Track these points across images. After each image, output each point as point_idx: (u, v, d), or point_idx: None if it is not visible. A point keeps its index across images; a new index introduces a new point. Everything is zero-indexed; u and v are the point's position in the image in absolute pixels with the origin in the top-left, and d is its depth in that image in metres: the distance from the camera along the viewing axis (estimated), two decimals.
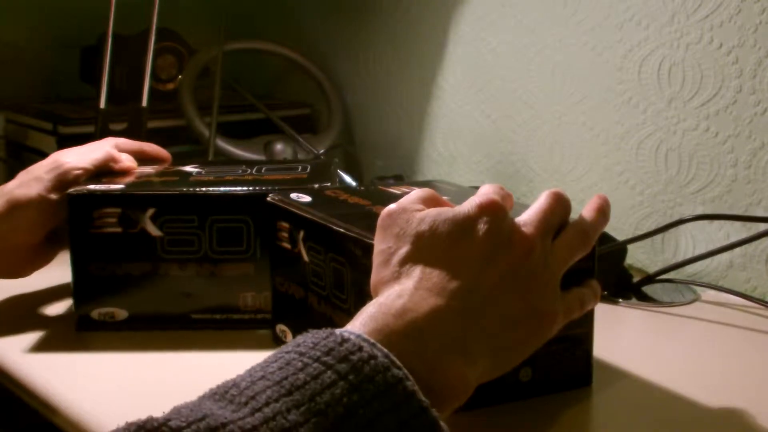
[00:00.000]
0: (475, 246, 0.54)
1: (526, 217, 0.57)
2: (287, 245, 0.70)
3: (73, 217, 0.74)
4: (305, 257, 0.68)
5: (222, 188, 0.74)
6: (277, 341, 0.72)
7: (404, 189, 0.74)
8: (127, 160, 0.84)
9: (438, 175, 1.18)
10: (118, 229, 0.74)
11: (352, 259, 0.63)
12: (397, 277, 0.54)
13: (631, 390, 0.65)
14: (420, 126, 1.20)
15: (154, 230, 0.74)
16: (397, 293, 0.52)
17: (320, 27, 1.35)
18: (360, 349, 0.46)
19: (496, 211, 0.55)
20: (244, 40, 1.29)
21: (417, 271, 0.54)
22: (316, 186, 0.75)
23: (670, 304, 0.84)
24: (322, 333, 0.48)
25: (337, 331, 0.48)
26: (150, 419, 0.42)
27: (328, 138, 1.24)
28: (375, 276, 0.56)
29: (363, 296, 0.60)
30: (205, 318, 0.75)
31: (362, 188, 0.75)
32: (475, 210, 0.55)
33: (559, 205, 0.59)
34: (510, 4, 1.06)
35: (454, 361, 0.50)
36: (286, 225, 0.69)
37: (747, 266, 0.89)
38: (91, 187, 0.76)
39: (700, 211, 0.91)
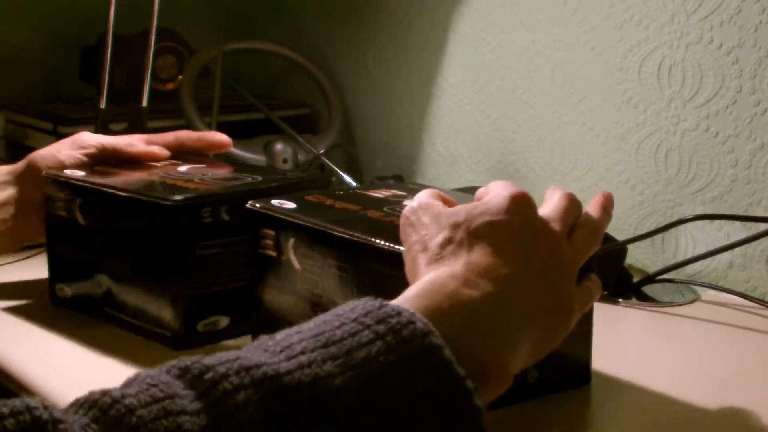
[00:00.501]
0: (512, 237, 0.54)
1: (549, 213, 0.57)
2: (272, 253, 0.68)
3: (46, 197, 0.80)
4: (296, 265, 0.66)
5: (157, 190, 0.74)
6: None
7: (383, 192, 0.73)
8: (158, 150, 0.86)
9: (438, 175, 1.19)
10: (64, 213, 0.78)
11: (360, 265, 0.61)
12: (439, 258, 0.53)
13: (630, 390, 0.65)
14: (420, 126, 1.20)
15: (80, 219, 0.77)
16: (448, 274, 0.51)
17: (320, 27, 1.35)
18: (399, 314, 0.46)
19: (529, 203, 0.56)
20: (244, 40, 1.29)
21: (462, 255, 0.53)
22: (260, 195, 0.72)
23: (670, 304, 0.84)
24: (361, 300, 0.47)
25: (376, 300, 0.47)
26: (182, 358, 0.43)
27: (328, 138, 1.24)
28: (412, 265, 0.55)
29: None
30: (119, 316, 0.75)
31: (341, 192, 0.73)
32: (508, 201, 0.55)
33: (574, 206, 0.59)
34: (510, 4, 1.06)
35: (496, 347, 0.50)
36: (270, 232, 0.68)
37: (747, 266, 0.89)
38: (67, 172, 0.80)
39: (700, 211, 0.91)
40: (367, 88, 1.28)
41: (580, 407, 0.63)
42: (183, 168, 0.82)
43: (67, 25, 1.30)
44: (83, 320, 0.77)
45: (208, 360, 0.42)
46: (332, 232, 0.63)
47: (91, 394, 0.40)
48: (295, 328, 0.46)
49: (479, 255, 0.53)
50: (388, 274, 0.58)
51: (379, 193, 0.73)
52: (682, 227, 0.92)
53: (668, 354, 0.74)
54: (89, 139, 0.85)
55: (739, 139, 0.87)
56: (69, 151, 0.84)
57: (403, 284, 0.55)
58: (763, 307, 0.84)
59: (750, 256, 0.88)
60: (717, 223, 0.90)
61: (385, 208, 0.68)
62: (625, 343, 0.76)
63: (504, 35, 1.08)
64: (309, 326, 0.46)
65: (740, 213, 0.88)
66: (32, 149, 1.17)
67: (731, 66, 0.87)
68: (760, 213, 0.87)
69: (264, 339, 0.46)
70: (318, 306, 0.65)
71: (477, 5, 1.10)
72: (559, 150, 1.03)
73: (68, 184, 0.78)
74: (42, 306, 0.81)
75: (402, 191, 0.74)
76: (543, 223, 0.56)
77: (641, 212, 0.96)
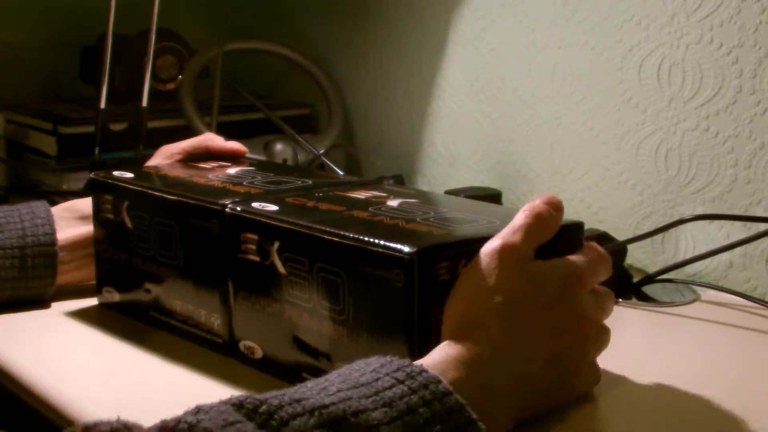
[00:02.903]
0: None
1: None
2: (255, 258, 0.65)
3: (94, 200, 0.79)
4: (281, 270, 0.63)
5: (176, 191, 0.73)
6: (242, 357, 0.68)
7: (363, 193, 0.71)
8: (238, 146, 0.87)
9: (438, 175, 1.19)
10: (111, 216, 0.77)
11: (351, 268, 0.59)
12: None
13: (630, 390, 0.65)
14: (420, 126, 1.20)
15: (129, 222, 0.75)
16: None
17: (320, 27, 1.35)
18: (411, 364, 0.50)
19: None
20: (244, 40, 1.29)
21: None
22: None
23: (670, 304, 0.84)
24: (369, 358, 0.51)
25: (385, 355, 0.51)
26: (231, 396, 0.45)
27: (328, 138, 1.24)
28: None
29: (362, 305, 0.59)
30: (168, 321, 0.74)
31: (321, 194, 0.71)
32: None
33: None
34: (510, 4, 1.06)
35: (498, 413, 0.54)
36: (253, 236, 0.65)
37: (747, 266, 0.89)
38: (115, 173, 0.78)
39: (700, 211, 0.91)
40: (367, 88, 1.28)
41: (580, 407, 0.63)
42: (232, 171, 0.80)
43: (67, 25, 1.31)
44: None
45: (258, 395, 0.45)
46: (321, 235, 0.60)
47: (164, 422, 0.43)
48: (319, 379, 0.49)
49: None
50: (381, 276, 0.57)
51: (359, 194, 0.71)
52: (682, 227, 0.92)
53: (668, 354, 0.74)
54: (173, 148, 0.85)
55: (739, 139, 0.87)
56: (158, 164, 0.83)
57: (398, 287, 0.56)
58: (763, 307, 0.84)
59: (750, 256, 0.88)
60: (717, 223, 0.90)
61: (370, 209, 0.66)
62: (625, 343, 0.76)
63: (504, 35, 1.08)
64: (332, 377, 0.49)
65: (740, 213, 0.88)
66: (32, 149, 1.18)
67: (731, 66, 0.87)
68: (760, 213, 0.87)
69: (293, 388, 0.48)
70: (306, 311, 0.62)
71: (477, 6, 1.10)
72: (559, 150, 1.03)
73: (115, 186, 0.76)
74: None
75: (381, 192, 0.72)
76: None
77: (641, 212, 0.96)
